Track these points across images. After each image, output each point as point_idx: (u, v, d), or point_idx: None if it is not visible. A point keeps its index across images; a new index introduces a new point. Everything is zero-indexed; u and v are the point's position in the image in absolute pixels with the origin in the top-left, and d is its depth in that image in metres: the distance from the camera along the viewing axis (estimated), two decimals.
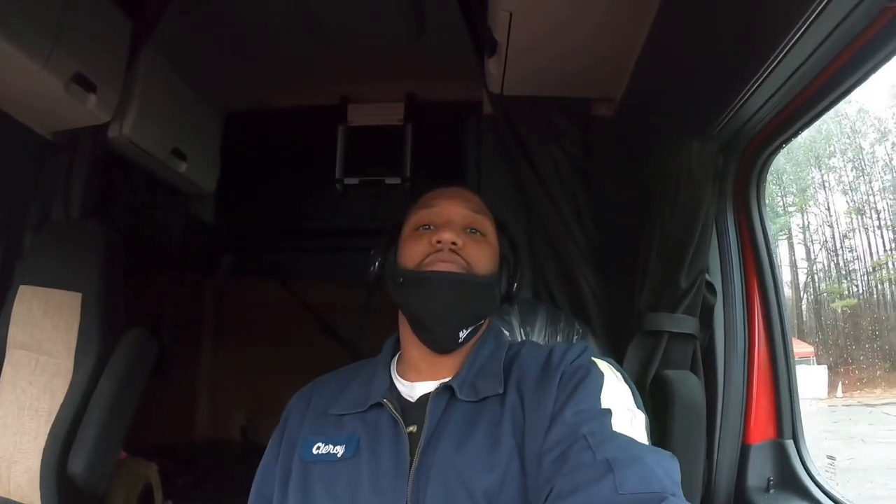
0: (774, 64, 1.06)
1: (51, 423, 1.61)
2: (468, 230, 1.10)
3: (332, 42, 2.31)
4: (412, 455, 0.97)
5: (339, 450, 1.02)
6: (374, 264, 1.14)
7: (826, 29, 0.98)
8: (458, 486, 0.92)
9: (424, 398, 1.04)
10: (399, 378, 1.11)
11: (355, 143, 2.76)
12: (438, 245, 1.05)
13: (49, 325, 1.68)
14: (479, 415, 1.00)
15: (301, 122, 2.77)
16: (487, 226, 1.14)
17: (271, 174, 2.83)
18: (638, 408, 0.97)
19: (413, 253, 1.07)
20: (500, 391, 1.02)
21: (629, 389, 1.01)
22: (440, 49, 2.23)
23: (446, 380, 1.05)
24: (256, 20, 2.22)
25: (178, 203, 2.62)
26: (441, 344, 1.07)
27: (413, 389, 1.07)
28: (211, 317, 3.12)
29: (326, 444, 1.03)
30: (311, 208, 2.83)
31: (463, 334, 1.07)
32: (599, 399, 0.93)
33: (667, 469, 0.82)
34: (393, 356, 1.17)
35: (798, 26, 0.95)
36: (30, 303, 1.71)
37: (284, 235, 2.93)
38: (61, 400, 1.63)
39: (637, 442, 0.87)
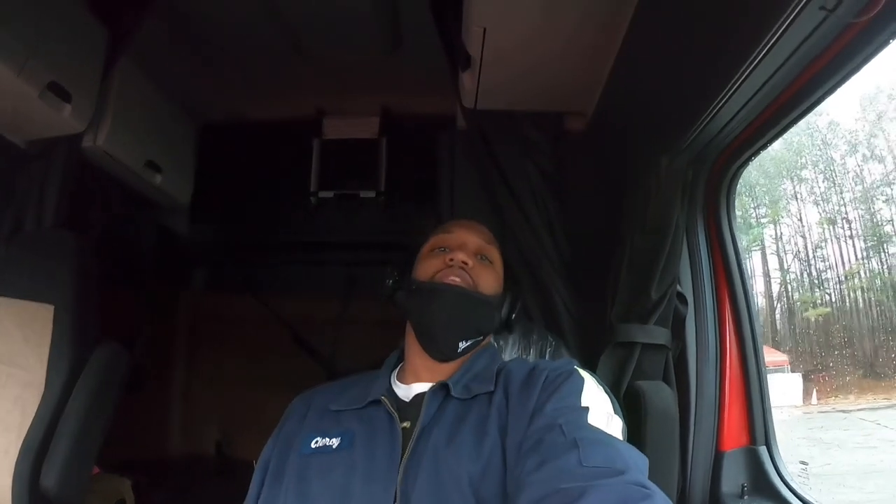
0: (742, 79, 1.08)
1: (22, 437, 1.57)
2: (479, 256, 1.24)
3: (308, 55, 2.31)
4: (404, 447, 1.03)
5: (335, 442, 1.09)
6: (391, 279, 1.26)
7: (793, 44, 1.00)
8: (445, 473, 0.98)
9: (419, 397, 1.12)
10: (397, 382, 1.21)
11: (330, 157, 2.73)
12: (451, 262, 1.19)
13: (20, 338, 1.65)
14: (469, 411, 1.08)
15: (276, 134, 2.75)
16: (496, 256, 1.28)
17: (246, 186, 2.80)
18: (616, 414, 1.05)
19: (428, 268, 1.20)
20: (491, 388, 1.11)
21: (609, 398, 1.09)
22: (415, 63, 2.24)
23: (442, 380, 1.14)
24: (232, 32, 2.21)
25: (151, 215, 2.59)
26: (442, 351, 1.18)
27: (409, 391, 1.17)
28: (184, 330, 3.08)
29: (324, 437, 1.11)
30: (286, 221, 2.81)
31: (463, 345, 1.18)
32: (580, 398, 1.01)
33: (635, 459, 0.87)
34: (395, 367, 1.27)
35: (765, 41, 0.97)
36: (1, 314, 1.69)
37: (259, 248, 2.91)
38: (33, 414, 1.59)
39: (610, 434, 0.94)
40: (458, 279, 1.17)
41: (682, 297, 1.52)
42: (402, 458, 1.02)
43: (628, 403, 1.42)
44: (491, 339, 1.31)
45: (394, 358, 1.30)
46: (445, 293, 1.17)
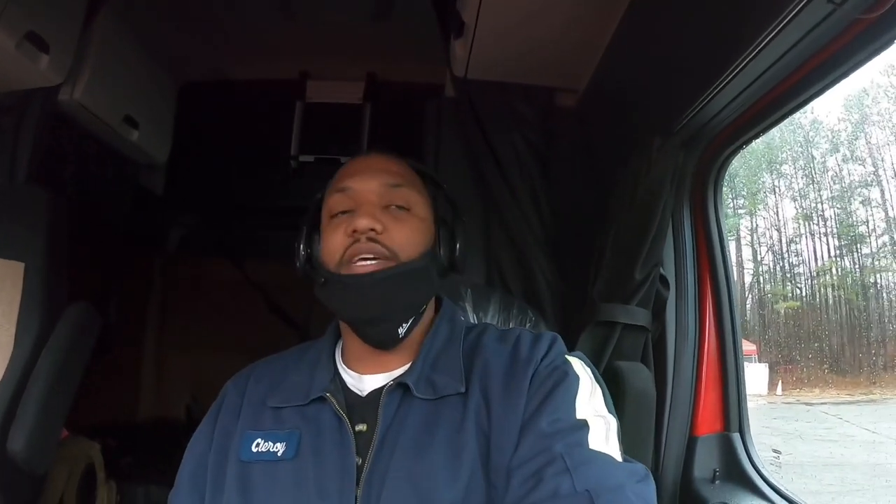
0: (742, 65, 1.06)
1: None
2: (391, 207, 0.99)
3: (295, 15, 2.26)
4: (363, 457, 0.89)
5: (280, 447, 0.94)
6: (300, 259, 1.03)
7: (796, 35, 0.98)
8: (416, 498, 0.85)
9: (376, 393, 0.96)
10: (345, 368, 1.02)
11: (312, 120, 2.70)
12: (355, 234, 0.94)
13: None
14: (438, 415, 0.92)
15: (258, 95, 2.70)
16: (412, 196, 1.02)
17: (225, 147, 2.74)
18: (610, 412, 0.91)
19: (331, 246, 0.97)
20: (462, 389, 0.93)
21: (601, 391, 0.94)
22: (405, 29, 2.21)
23: (399, 372, 0.97)
24: None
25: (127, 173, 2.54)
26: (380, 344, 0.98)
27: (362, 382, 0.99)
28: (158, 292, 3.06)
29: (266, 440, 0.95)
30: (264, 184, 2.76)
31: (403, 329, 0.97)
32: (574, 408, 0.87)
33: (646, 498, 0.81)
34: (336, 341, 1.08)
35: (769, 30, 0.95)
36: None
37: (236, 211, 2.87)
38: (0, 375, 1.55)
39: (615, 462, 0.83)
40: (367, 262, 0.93)
41: (664, 280, 1.52)
42: (360, 469, 0.88)
43: (607, 383, 1.41)
44: (443, 300, 1.11)
45: (335, 326, 1.10)
46: (358, 287, 0.94)
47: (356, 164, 1.05)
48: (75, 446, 1.89)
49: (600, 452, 0.83)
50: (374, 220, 0.94)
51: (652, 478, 0.83)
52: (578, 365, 0.95)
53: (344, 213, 0.99)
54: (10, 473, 1.52)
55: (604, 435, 0.85)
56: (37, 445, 1.54)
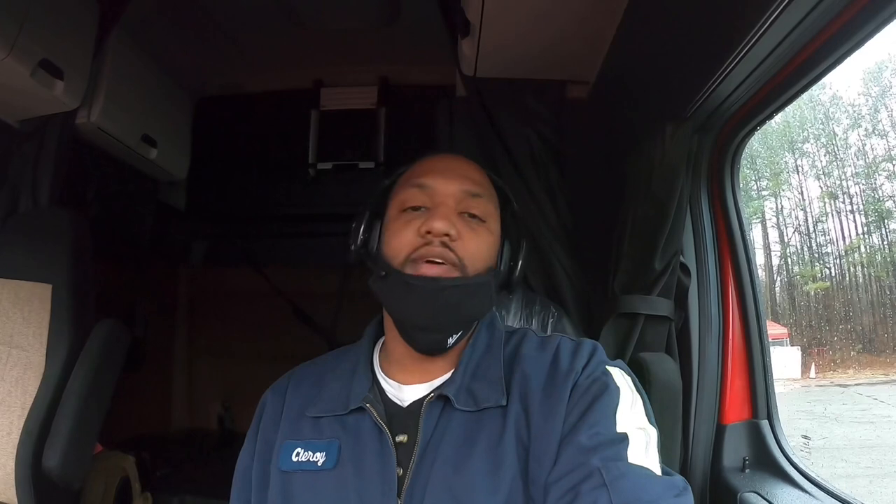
0: (750, 46, 1.05)
1: (24, 417, 1.57)
2: (465, 214, 0.97)
3: (304, 25, 2.27)
4: (403, 468, 0.89)
5: (320, 457, 0.93)
6: (355, 243, 1.00)
7: (802, 11, 0.96)
8: None
9: (417, 405, 0.95)
10: (385, 376, 1.01)
11: (328, 128, 2.72)
12: (428, 236, 0.92)
13: (19, 318, 1.64)
14: (478, 428, 0.91)
15: (273, 106, 2.73)
16: (489, 209, 1.00)
17: (243, 159, 2.78)
18: (650, 423, 0.90)
19: (399, 242, 0.94)
20: (503, 402, 0.92)
21: (642, 401, 0.92)
22: (414, 32, 2.22)
23: (439, 382, 0.97)
24: (228, 2, 2.18)
25: (148, 190, 2.58)
26: (426, 351, 0.97)
27: (402, 392, 0.98)
28: (184, 305, 3.11)
29: (306, 450, 0.95)
30: (284, 193, 2.79)
31: (452, 340, 0.96)
32: (615, 421, 0.86)
33: None
34: (373, 346, 1.08)
35: (774, 8, 0.94)
36: None
37: (257, 221, 2.91)
38: (34, 394, 1.59)
39: (653, 476, 0.82)
40: (437, 268, 0.91)
41: (685, 268, 1.51)
42: (401, 480, 0.88)
43: None
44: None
45: (373, 330, 1.09)
46: (423, 291, 0.91)
47: (437, 162, 1.03)
48: (110, 460, 1.92)
49: (639, 466, 0.82)
50: (450, 224, 0.92)
51: (690, 491, 0.82)
52: (619, 375, 0.93)
53: (416, 209, 0.97)
54: (46, 489, 1.55)
55: (643, 447, 0.85)
56: (71, 461, 1.58)
